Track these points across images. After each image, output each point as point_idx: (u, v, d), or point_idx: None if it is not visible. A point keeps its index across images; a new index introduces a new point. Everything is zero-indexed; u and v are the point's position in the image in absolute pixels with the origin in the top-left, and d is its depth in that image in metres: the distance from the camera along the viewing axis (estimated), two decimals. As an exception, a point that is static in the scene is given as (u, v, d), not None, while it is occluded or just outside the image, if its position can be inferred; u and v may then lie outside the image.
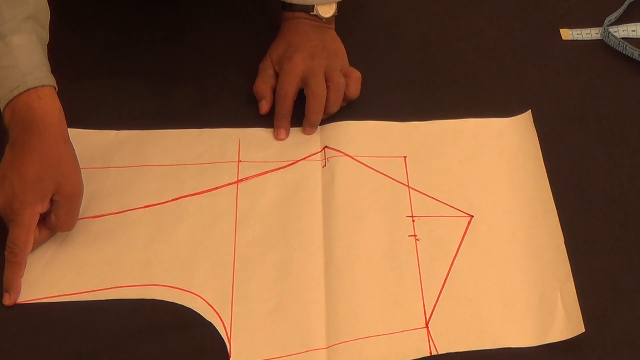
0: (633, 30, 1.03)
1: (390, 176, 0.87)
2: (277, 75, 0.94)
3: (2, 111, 0.80)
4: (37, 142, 0.78)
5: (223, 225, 0.83)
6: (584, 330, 0.73)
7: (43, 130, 0.78)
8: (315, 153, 0.90)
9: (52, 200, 0.78)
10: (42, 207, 0.78)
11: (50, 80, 0.81)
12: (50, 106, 0.80)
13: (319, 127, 0.92)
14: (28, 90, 0.78)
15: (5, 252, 0.77)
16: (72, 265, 0.80)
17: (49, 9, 0.81)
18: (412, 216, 0.84)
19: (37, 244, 0.80)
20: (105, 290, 0.78)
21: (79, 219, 0.83)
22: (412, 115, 0.93)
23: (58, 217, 0.79)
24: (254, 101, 0.94)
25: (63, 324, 0.76)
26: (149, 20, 1.03)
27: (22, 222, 0.76)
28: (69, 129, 0.90)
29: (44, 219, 0.79)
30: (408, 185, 0.87)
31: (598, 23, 1.04)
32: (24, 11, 0.79)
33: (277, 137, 0.91)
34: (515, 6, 1.08)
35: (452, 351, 0.74)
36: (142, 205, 0.85)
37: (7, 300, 0.77)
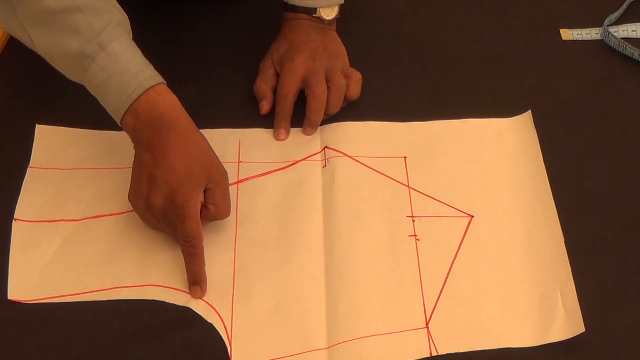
0: (633, 30, 1.03)
1: (391, 176, 0.87)
2: (277, 75, 0.94)
3: (120, 119, 0.79)
4: (175, 136, 0.77)
5: (223, 226, 0.82)
6: (584, 329, 0.73)
7: (176, 124, 0.78)
8: (316, 153, 0.89)
9: (205, 191, 0.78)
10: (201, 197, 0.78)
11: (160, 78, 0.80)
12: (171, 100, 0.80)
13: (319, 127, 0.92)
14: (146, 90, 0.78)
15: (181, 248, 0.78)
16: (73, 265, 0.80)
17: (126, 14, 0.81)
18: (412, 216, 0.84)
19: None
20: (105, 290, 0.78)
21: (80, 220, 0.83)
22: (412, 115, 0.93)
23: (216, 204, 0.79)
24: (254, 101, 0.94)
25: (64, 325, 0.76)
26: (150, 21, 1.03)
27: (189, 213, 0.76)
28: (69, 128, 0.91)
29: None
30: (408, 186, 0.87)
31: (598, 23, 1.04)
32: (112, 19, 0.78)
33: (277, 137, 0.91)
34: (515, 6, 1.08)
35: (453, 351, 0.74)
36: (143, 206, 0.85)
37: (198, 293, 0.77)
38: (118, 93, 0.78)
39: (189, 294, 0.78)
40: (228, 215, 0.80)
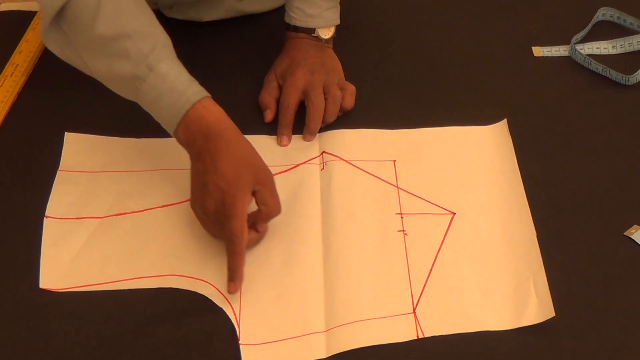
0: (597, 48, 1.03)
1: (381, 178, 0.87)
2: (280, 87, 0.94)
3: (173, 132, 0.79)
4: (223, 144, 0.77)
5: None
6: (554, 314, 0.73)
7: (223, 133, 0.77)
8: (314, 157, 0.89)
9: (254, 193, 0.77)
10: (249, 199, 0.76)
11: (205, 92, 0.79)
12: (217, 111, 0.79)
13: (317, 134, 0.92)
14: (194, 105, 0.77)
15: (226, 245, 0.77)
16: (98, 258, 0.80)
17: (168, 35, 0.81)
18: (400, 213, 0.84)
19: (252, 244, 0.79)
20: (127, 280, 0.78)
21: (104, 217, 0.83)
22: (400, 123, 0.93)
23: (267, 204, 0.78)
24: (259, 111, 0.94)
25: (89, 311, 0.76)
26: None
27: (236, 213, 0.75)
28: (94, 136, 0.91)
29: (251, 225, 0.78)
30: (397, 186, 0.87)
31: (566, 41, 1.04)
32: (158, 42, 0.78)
33: (280, 143, 0.91)
34: (492, 26, 1.08)
35: (437, 334, 0.74)
36: (161, 205, 0.84)
37: (232, 289, 0.76)
38: (169, 109, 0.77)
39: (209, 284, 0.77)
40: (279, 212, 0.79)
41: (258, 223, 0.79)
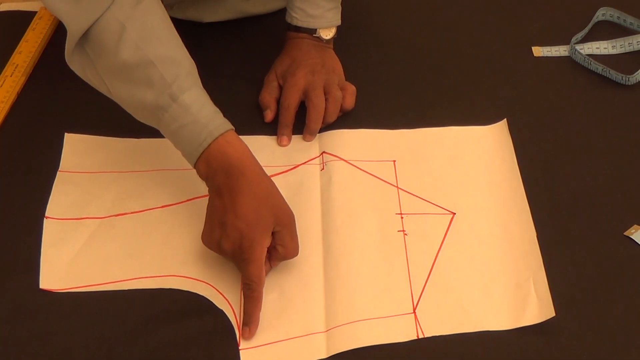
0: (597, 48, 1.03)
1: (381, 178, 0.87)
2: (280, 87, 0.94)
3: (194, 164, 0.77)
4: (245, 183, 0.74)
5: None
6: (554, 314, 0.73)
7: (245, 172, 0.75)
8: (314, 158, 0.89)
9: (273, 233, 0.75)
10: (268, 241, 0.74)
11: (229, 124, 0.77)
12: (240, 147, 0.76)
13: (317, 134, 0.91)
14: (216, 139, 0.75)
15: (242, 290, 0.75)
16: (98, 258, 0.80)
17: (193, 61, 0.78)
18: (400, 214, 0.84)
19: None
20: (127, 280, 0.78)
21: (104, 217, 0.83)
22: (400, 123, 0.93)
23: (285, 246, 0.75)
24: (259, 111, 0.94)
25: (90, 311, 0.76)
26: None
27: (254, 258, 0.73)
28: (94, 136, 0.91)
29: (270, 256, 0.76)
30: (397, 186, 0.86)
31: (566, 41, 1.04)
32: (182, 70, 0.76)
33: (280, 143, 0.91)
34: (492, 26, 1.08)
35: (437, 334, 0.74)
36: (160, 205, 0.84)
37: (247, 335, 0.73)
38: (190, 141, 0.76)
39: (209, 284, 0.76)
40: (296, 255, 0.77)
41: (272, 260, 0.77)
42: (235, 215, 0.73)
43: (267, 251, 0.75)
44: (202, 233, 0.77)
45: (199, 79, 0.78)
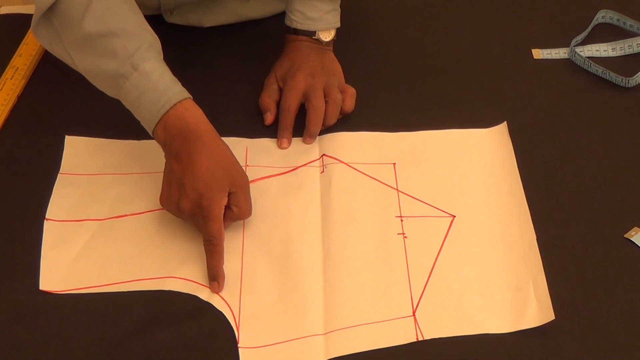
0: (597, 50, 1.03)
1: (381, 181, 0.87)
2: (280, 90, 0.94)
3: (152, 131, 0.79)
4: (202, 146, 0.77)
5: (232, 224, 0.82)
6: (554, 317, 0.73)
7: (202, 135, 0.78)
8: (314, 160, 0.89)
9: (229, 194, 0.78)
10: (225, 200, 0.78)
11: (187, 93, 0.80)
12: (197, 113, 0.79)
13: (317, 137, 0.91)
14: (174, 105, 0.78)
15: (204, 246, 0.78)
16: (98, 260, 0.79)
17: (158, 37, 0.82)
18: (400, 216, 0.83)
19: None
20: (127, 282, 0.78)
21: (104, 219, 0.83)
22: (400, 126, 0.93)
23: (239, 207, 0.79)
24: (259, 113, 0.94)
25: (90, 313, 0.75)
26: (167, 45, 1.03)
27: (214, 215, 0.76)
28: (94, 139, 0.91)
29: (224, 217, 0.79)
30: (397, 189, 0.86)
31: (566, 44, 1.04)
32: (144, 42, 0.79)
33: (280, 146, 0.91)
34: (492, 29, 1.08)
35: (437, 337, 0.73)
36: (160, 207, 0.83)
37: (216, 288, 0.76)
38: (149, 108, 0.78)
39: (208, 287, 0.77)
40: (249, 215, 0.80)
41: (226, 220, 0.79)
42: (193, 176, 0.76)
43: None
44: (160, 196, 0.80)
45: (161, 53, 0.81)
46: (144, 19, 0.82)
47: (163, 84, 0.78)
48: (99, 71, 0.79)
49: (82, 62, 0.80)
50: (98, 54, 0.78)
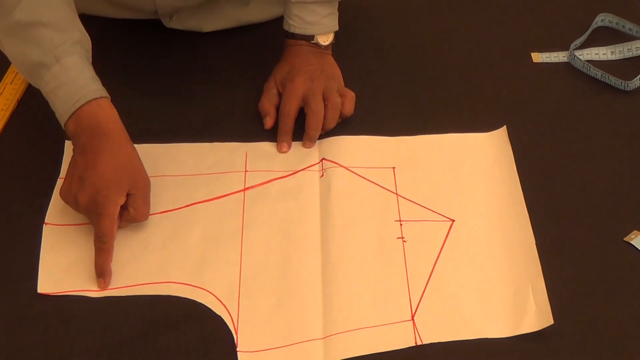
0: (596, 54, 1.02)
1: (381, 185, 0.87)
2: (280, 94, 0.94)
3: (64, 123, 0.80)
4: (108, 144, 0.78)
5: (231, 229, 0.82)
6: (552, 322, 0.73)
7: (110, 134, 0.79)
8: (314, 164, 0.89)
9: (127, 195, 0.79)
10: (122, 200, 0.78)
11: (105, 92, 0.81)
12: (111, 113, 0.81)
13: (317, 141, 0.91)
14: (89, 101, 0.79)
15: (94, 242, 0.78)
16: (97, 264, 0.79)
17: (89, 38, 0.83)
18: (399, 220, 0.83)
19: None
20: (126, 287, 0.78)
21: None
22: (400, 130, 0.92)
23: (136, 209, 0.79)
24: (259, 118, 0.93)
25: (88, 318, 0.75)
26: (166, 48, 1.03)
27: (107, 213, 0.77)
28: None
29: (120, 216, 0.80)
30: (396, 193, 0.86)
31: (565, 47, 1.03)
32: (72, 37, 0.80)
33: (280, 150, 0.90)
34: (491, 32, 1.07)
35: (435, 341, 0.73)
36: (159, 211, 0.84)
37: (102, 284, 0.77)
38: (65, 101, 0.79)
39: (207, 291, 0.77)
40: (146, 219, 0.81)
41: (122, 221, 0.80)
42: (94, 171, 0.77)
43: (120, 210, 0.79)
44: (61, 187, 0.80)
45: (90, 52, 0.83)
46: (77, 17, 0.83)
47: (82, 79, 0.79)
48: (23, 58, 0.80)
49: (9, 48, 0.82)
50: (25, 41, 0.79)
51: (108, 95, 0.81)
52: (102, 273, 0.77)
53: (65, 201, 0.80)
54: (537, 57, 1.03)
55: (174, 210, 0.84)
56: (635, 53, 1.02)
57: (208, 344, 0.73)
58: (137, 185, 0.79)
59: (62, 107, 0.80)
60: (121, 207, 0.79)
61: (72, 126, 0.80)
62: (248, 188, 0.86)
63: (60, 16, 0.81)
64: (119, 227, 0.80)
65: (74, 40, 0.80)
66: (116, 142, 0.79)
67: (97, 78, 0.81)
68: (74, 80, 0.79)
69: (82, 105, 0.79)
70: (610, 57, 1.02)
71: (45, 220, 0.82)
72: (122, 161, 0.79)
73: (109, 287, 0.77)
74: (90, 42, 0.83)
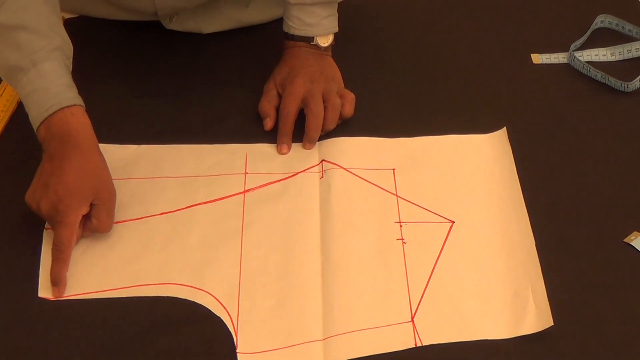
0: (596, 55, 1.02)
1: (381, 186, 0.87)
2: (279, 95, 0.94)
3: (36, 129, 0.80)
4: (75, 153, 0.78)
5: (231, 230, 0.82)
6: (552, 323, 0.73)
7: (80, 143, 0.79)
8: (314, 166, 0.89)
9: (91, 205, 0.78)
10: (84, 209, 0.78)
11: (80, 100, 0.81)
12: (83, 122, 0.80)
13: (317, 142, 0.91)
14: (62, 108, 0.79)
15: (52, 250, 0.78)
16: (97, 266, 0.79)
17: (72, 45, 0.83)
18: (399, 222, 0.83)
19: (76, 242, 0.80)
20: (126, 288, 0.77)
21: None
22: (400, 132, 0.92)
23: (99, 219, 0.79)
24: (259, 120, 0.93)
25: (88, 319, 0.75)
26: (166, 49, 1.03)
27: (67, 222, 0.77)
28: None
29: (83, 225, 0.80)
30: (396, 195, 0.86)
31: (565, 48, 1.03)
32: (51, 43, 0.80)
33: (280, 151, 0.90)
34: (491, 34, 1.07)
35: (435, 343, 0.73)
36: (159, 212, 0.84)
37: (56, 293, 0.76)
38: (38, 106, 0.79)
39: (207, 292, 0.77)
40: (108, 230, 0.80)
41: (85, 230, 0.80)
42: (59, 179, 0.77)
43: (82, 220, 0.78)
44: (27, 191, 0.80)
45: (70, 59, 0.83)
46: (61, 23, 0.83)
47: (57, 86, 0.79)
48: (2, 60, 0.80)
49: None
50: (5, 44, 0.80)
51: (82, 104, 0.81)
52: (56, 282, 0.77)
53: (29, 206, 0.80)
54: (537, 58, 1.03)
55: (173, 211, 0.84)
56: (635, 54, 1.02)
57: (208, 345, 0.73)
58: (101, 196, 0.79)
59: (35, 112, 0.80)
60: (85, 216, 0.78)
61: (43, 132, 0.79)
62: (248, 190, 0.86)
63: (43, 21, 0.80)
64: (82, 236, 0.80)
65: (54, 46, 0.80)
66: (84, 152, 0.79)
67: (74, 85, 0.81)
68: (48, 87, 0.79)
69: (55, 112, 0.79)
70: (610, 58, 1.02)
71: (46, 226, 0.82)
72: (87, 171, 0.78)
73: (110, 288, 0.77)
74: (72, 49, 0.83)
